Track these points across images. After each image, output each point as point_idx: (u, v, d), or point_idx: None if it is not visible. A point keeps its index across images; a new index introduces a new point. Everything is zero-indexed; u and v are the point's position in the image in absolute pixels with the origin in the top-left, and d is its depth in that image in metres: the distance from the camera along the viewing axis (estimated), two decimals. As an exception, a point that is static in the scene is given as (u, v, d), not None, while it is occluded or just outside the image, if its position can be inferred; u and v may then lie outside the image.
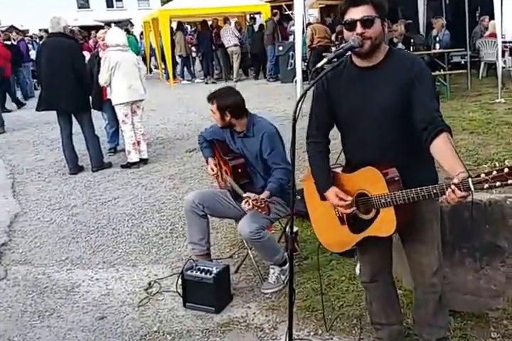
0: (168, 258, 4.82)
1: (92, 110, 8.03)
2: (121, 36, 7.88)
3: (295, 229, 4.74)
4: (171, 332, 3.66)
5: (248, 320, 3.75)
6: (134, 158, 7.91)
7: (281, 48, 16.40)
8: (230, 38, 17.33)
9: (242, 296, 4.06)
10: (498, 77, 10.61)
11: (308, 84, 2.73)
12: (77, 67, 7.47)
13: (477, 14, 14.85)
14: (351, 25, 2.55)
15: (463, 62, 13.61)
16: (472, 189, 2.22)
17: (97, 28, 19.34)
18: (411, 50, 11.11)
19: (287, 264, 4.19)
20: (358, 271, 4.21)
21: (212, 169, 4.37)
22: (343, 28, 2.62)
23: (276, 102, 12.45)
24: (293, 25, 18.00)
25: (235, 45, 17.43)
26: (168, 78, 17.95)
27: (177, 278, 4.14)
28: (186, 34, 19.93)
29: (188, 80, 18.88)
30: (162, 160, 8.33)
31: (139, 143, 7.99)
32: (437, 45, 11.69)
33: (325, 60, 2.58)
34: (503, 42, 11.48)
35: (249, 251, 4.31)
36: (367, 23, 2.52)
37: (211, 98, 4.09)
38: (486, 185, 2.18)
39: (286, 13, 20.12)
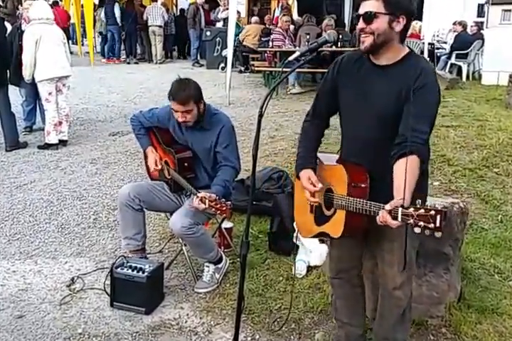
0: (91, 251, 4.48)
1: (9, 85, 7.47)
2: (46, 9, 7.35)
3: (229, 224, 4.56)
4: (98, 335, 3.35)
5: (181, 322, 3.51)
6: (53, 139, 7.42)
7: (208, 33, 15.99)
8: (156, 16, 16.58)
9: (174, 295, 3.81)
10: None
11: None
12: (-2, 39, 6.99)
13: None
14: (357, 20, 2.51)
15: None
16: (399, 219, 2.15)
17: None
18: (338, 45, 11.10)
19: (223, 262, 4.00)
20: (295, 271, 4.07)
21: (156, 164, 4.00)
22: None
23: (203, 88, 12.04)
24: (220, 11, 17.71)
25: (159, 26, 16.69)
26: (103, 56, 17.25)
27: (106, 276, 3.83)
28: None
29: (110, 59, 18.17)
30: (83, 143, 7.84)
31: (60, 123, 7.49)
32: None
33: (297, 53, 2.59)
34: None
35: (183, 247, 4.05)
36: (368, 18, 2.46)
37: (185, 97, 3.72)
38: (411, 221, 2.10)
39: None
